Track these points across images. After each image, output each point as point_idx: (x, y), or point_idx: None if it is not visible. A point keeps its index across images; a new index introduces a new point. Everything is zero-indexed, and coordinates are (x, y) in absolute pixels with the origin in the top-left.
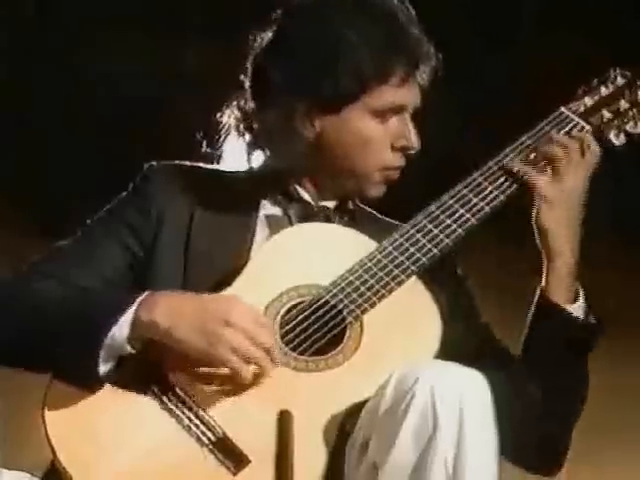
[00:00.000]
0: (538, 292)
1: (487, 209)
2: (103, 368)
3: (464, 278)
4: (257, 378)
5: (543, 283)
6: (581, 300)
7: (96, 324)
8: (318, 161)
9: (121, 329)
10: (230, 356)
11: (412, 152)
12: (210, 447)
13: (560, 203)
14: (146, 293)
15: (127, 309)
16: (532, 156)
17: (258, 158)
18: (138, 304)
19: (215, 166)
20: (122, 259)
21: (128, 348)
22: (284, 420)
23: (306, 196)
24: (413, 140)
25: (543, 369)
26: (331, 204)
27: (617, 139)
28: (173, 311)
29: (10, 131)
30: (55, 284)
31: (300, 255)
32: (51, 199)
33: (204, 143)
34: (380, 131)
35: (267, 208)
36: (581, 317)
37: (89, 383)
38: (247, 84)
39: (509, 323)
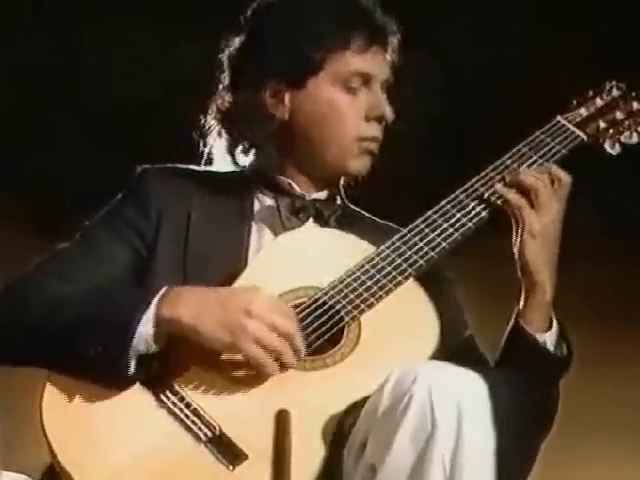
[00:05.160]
0: (514, 316)
1: (484, 214)
2: (132, 368)
3: (454, 285)
4: (257, 376)
5: (520, 309)
6: (554, 329)
7: (122, 325)
8: (293, 140)
9: (146, 327)
10: (254, 348)
11: (386, 122)
12: (207, 443)
13: (541, 236)
14: (164, 288)
15: (148, 307)
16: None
17: (242, 158)
18: (158, 300)
19: (207, 168)
20: (129, 259)
21: (153, 346)
22: (282, 420)
23: (297, 189)
24: (386, 110)
25: (510, 387)
26: (322, 195)
27: (613, 148)
28: (196, 306)
29: (10, 131)
30: (69, 286)
31: (298, 258)
32: (51, 199)
33: (201, 143)
34: (350, 102)
35: (259, 203)
36: (551, 347)
37: (120, 384)
38: (225, 81)
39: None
